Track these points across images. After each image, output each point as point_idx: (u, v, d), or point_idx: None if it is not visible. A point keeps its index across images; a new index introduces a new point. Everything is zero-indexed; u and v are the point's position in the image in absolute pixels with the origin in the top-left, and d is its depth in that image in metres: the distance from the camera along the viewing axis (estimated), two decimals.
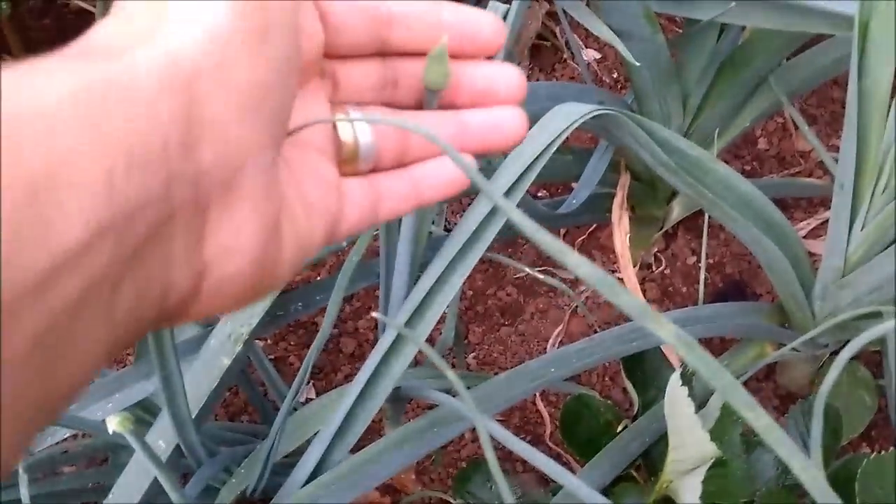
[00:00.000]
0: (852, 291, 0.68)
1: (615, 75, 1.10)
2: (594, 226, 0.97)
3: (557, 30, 1.12)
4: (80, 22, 1.13)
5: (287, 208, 0.26)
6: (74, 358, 0.19)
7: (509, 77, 0.31)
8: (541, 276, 0.70)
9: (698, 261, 0.95)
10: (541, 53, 1.11)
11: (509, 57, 0.80)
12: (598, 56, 1.11)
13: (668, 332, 0.29)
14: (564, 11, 0.90)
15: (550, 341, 0.89)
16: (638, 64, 0.62)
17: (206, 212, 0.23)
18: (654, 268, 0.94)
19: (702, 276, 0.72)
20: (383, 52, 0.30)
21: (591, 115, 0.53)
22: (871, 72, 0.57)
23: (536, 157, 0.52)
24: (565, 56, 1.11)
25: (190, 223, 0.22)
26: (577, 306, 0.87)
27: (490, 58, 0.31)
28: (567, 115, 0.53)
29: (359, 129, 0.29)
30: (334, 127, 0.29)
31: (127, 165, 0.19)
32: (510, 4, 0.59)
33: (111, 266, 0.19)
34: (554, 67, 1.10)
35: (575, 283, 0.93)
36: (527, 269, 0.68)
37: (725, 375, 0.28)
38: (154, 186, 0.20)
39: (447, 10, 0.30)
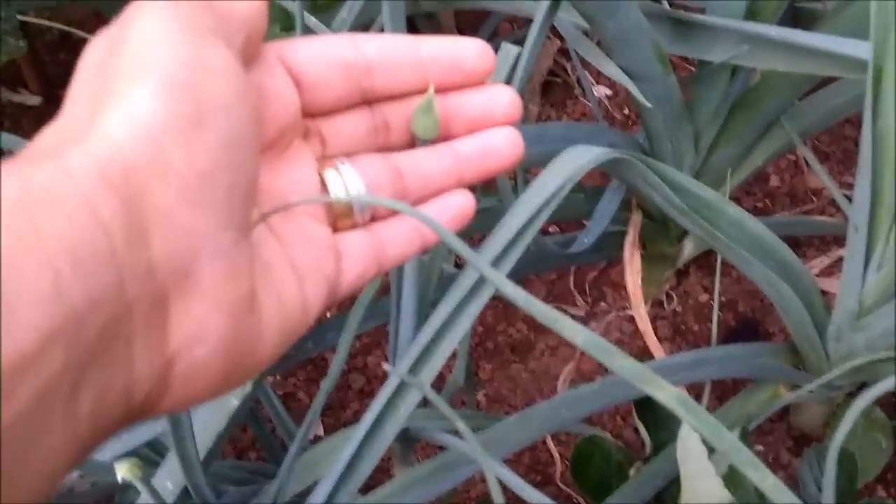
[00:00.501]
0: (868, 334, 0.67)
1: (626, 112, 1.10)
2: (605, 262, 0.96)
3: (569, 67, 1.12)
4: None
5: (270, 282, 0.25)
6: (34, 466, 0.19)
7: (502, 98, 0.30)
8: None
9: (711, 298, 0.94)
10: (553, 90, 1.12)
11: (521, 94, 0.80)
12: (609, 93, 1.12)
13: (667, 395, 0.28)
14: (576, 50, 0.91)
15: (561, 378, 0.88)
16: (650, 105, 0.62)
17: (166, 303, 0.22)
18: (665, 305, 0.93)
19: (714, 316, 0.71)
20: (368, 100, 0.30)
21: (603, 160, 0.53)
22: (886, 115, 0.56)
23: (546, 202, 0.52)
24: (577, 93, 1.11)
25: (149, 317, 0.21)
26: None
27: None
28: (577, 159, 0.53)
29: (349, 181, 0.29)
30: (324, 184, 0.29)
31: (73, 267, 0.19)
32: (522, 47, 0.60)
33: (66, 371, 0.19)
34: (566, 104, 1.11)
35: (586, 320, 0.93)
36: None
37: (729, 437, 0.28)
38: (103, 286, 0.20)
39: (426, 44, 0.29)
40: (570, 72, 1.12)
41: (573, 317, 0.93)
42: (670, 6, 0.66)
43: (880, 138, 0.57)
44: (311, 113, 0.29)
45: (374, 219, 0.30)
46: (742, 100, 0.74)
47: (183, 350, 0.22)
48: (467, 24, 1.14)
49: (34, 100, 1.15)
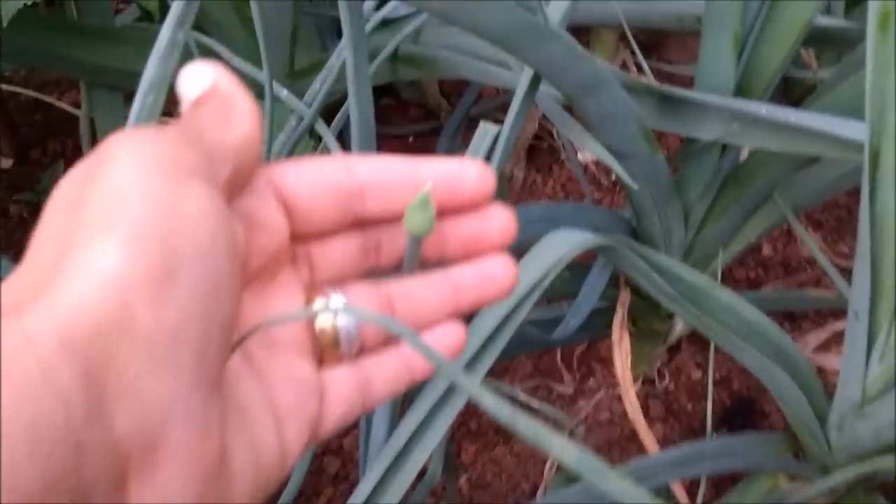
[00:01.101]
0: (871, 423, 0.63)
1: (613, 177, 1.07)
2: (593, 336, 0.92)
3: (554, 130, 1.10)
4: (67, 122, 1.11)
5: (244, 432, 0.23)
6: None
7: (499, 220, 0.28)
8: (534, 405, 0.65)
9: (704, 375, 0.90)
10: (537, 155, 1.09)
11: (501, 168, 0.77)
12: (594, 158, 1.09)
13: None
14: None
15: (548, 463, 0.84)
16: (636, 186, 0.58)
17: (127, 479, 0.20)
18: (657, 383, 0.89)
19: (709, 403, 0.67)
20: (361, 223, 0.28)
21: (586, 248, 0.50)
22: (884, 199, 0.53)
23: (527, 294, 0.48)
24: (563, 157, 1.08)
25: (109, 494, 0.19)
26: (573, 429, 0.82)
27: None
28: (560, 246, 0.50)
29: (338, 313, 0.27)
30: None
31: (29, 444, 0.17)
32: (501, 123, 0.57)
33: None
34: (551, 168, 1.08)
35: (574, 398, 0.88)
36: (521, 396, 0.64)
37: None
38: (60, 469, 0.18)
39: (424, 166, 0.28)
40: (555, 135, 1.09)
41: (560, 395, 0.88)
42: (655, 76, 0.64)
43: (878, 222, 0.54)
44: (300, 238, 0.27)
45: (360, 352, 0.28)
46: (733, 175, 0.71)
47: None
48: (451, 88, 1.12)
49: (6, 163, 1.11)
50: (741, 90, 0.65)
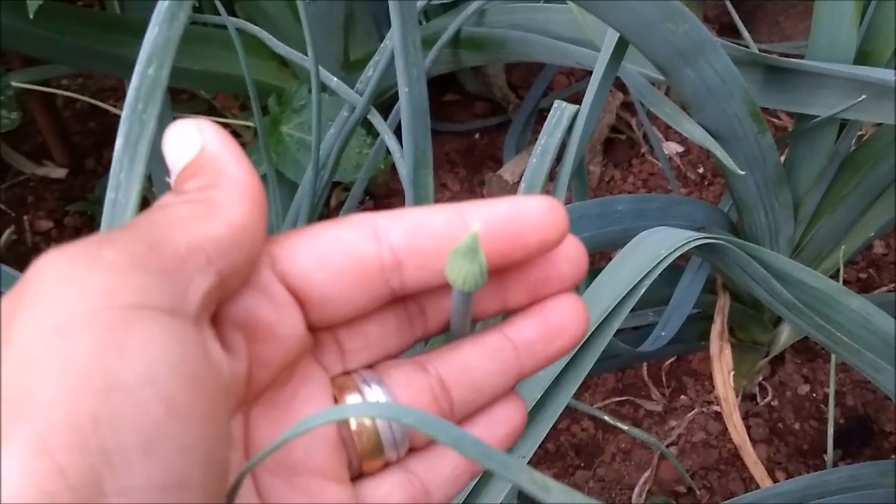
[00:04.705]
0: None
1: (701, 170, 0.98)
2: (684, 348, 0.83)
3: (634, 122, 1.01)
4: None
5: None
6: None
7: (569, 255, 0.22)
8: (621, 425, 0.57)
9: (812, 391, 0.80)
10: (615, 148, 1.00)
11: (580, 156, 0.68)
12: (680, 149, 0.99)
13: None
14: (642, 103, 0.79)
15: (636, 490, 0.75)
16: (741, 172, 0.49)
17: None
18: (759, 399, 0.79)
19: (830, 425, 0.57)
20: (398, 296, 0.22)
21: (687, 247, 0.41)
22: None
23: (617, 304, 0.40)
24: (643, 150, 0.99)
25: None
26: (664, 450, 0.73)
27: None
28: (656, 247, 0.41)
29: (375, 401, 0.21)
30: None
31: None
32: (579, 104, 0.49)
33: None
34: (631, 163, 0.99)
35: (664, 417, 0.79)
36: (605, 417, 0.55)
37: None
38: None
39: (470, 212, 0.21)
40: (634, 127, 1.00)
41: (648, 413, 0.79)
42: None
43: None
44: (323, 326, 0.21)
45: (411, 450, 0.22)
46: (850, 159, 0.61)
47: None
48: (520, 80, 1.04)
49: (59, 172, 1.08)
50: (862, 58, 0.55)
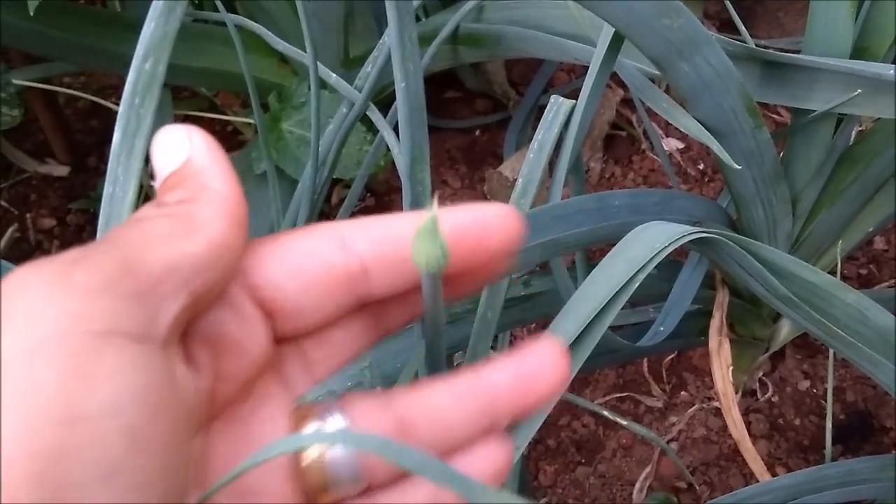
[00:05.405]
0: None
1: (701, 167, 0.98)
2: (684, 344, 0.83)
3: (634, 118, 1.01)
4: None
5: None
6: None
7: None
8: (621, 421, 0.57)
9: (812, 386, 0.80)
10: (615, 144, 1.00)
11: (578, 152, 0.68)
12: (680, 146, 1.00)
13: None
14: (640, 99, 0.79)
15: (637, 486, 0.75)
16: (738, 167, 0.50)
17: None
18: (759, 395, 0.79)
19: (829, 419, 0.57)
20: (364, 303, 0.22)
21: (683, 241, 0.41)
22: None
23: (612, 297, 0.40)
24: (643, 147, 0.99)
25: None
26: (665, 447, 0.73)
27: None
28: (651, 240, 0.41)
29: (330, 431, 0.21)
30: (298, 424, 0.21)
31: None
32: (576, 100, 0.49)
33: None
34: (631, 160, 0.99)
35: (664, 412, 0.79)
36: (606, 413, 0.55)
37: None
38: None
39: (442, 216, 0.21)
40: (635, 124, 1.00)
41: (649, 409, 0.79)
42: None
43: None
44: (289, 339, 0.21)
45: (370, 489, 0.21)
46: (848, 154, 0.61)
47: None
48: (519, 76, 1.04)
49: (61, 170, 1.08)
50: (859, 54, 0.55)
